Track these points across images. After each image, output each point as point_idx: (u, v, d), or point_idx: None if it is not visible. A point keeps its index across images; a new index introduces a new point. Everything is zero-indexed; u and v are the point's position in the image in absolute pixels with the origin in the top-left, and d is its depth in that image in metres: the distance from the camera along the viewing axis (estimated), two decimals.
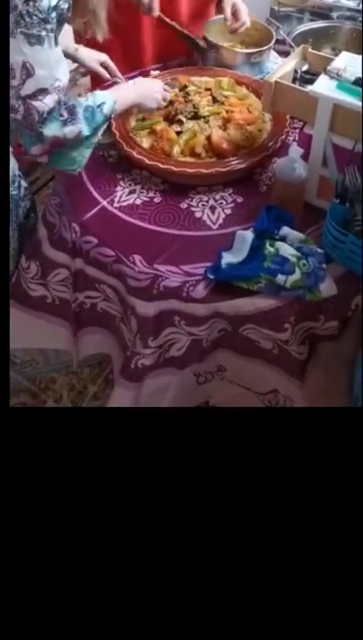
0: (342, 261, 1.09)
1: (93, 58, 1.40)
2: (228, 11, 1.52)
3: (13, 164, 1.26)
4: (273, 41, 1.54)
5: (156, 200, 1.28)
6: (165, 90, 1.34)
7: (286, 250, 1.08)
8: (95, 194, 1.29)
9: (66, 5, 0.96)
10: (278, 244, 1.10)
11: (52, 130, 1.02)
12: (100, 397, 1.65)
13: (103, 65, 1.41)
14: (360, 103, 1.03)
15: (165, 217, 1.24)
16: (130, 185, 1.31)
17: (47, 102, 0.99)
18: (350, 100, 1.04)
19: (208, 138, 1.32)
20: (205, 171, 1.26)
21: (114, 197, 1.28)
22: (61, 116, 1.02)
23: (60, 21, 0.98)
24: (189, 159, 1.30)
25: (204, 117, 1.36)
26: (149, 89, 1.30)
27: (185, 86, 1.47)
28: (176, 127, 1.35)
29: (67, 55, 1.37)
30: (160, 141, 1.32)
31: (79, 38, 1.41)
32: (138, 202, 1.27)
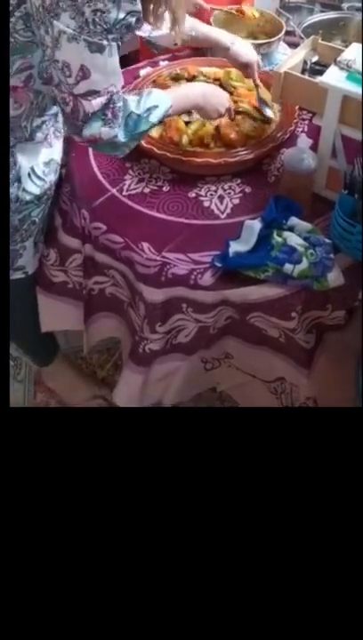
0: (350, 252, 1.10)
1: (240, 59, 1.38)
2: None
3: (58, 154, 1.27)
4: (283, 32, 1.54)
5: (164, 189, 1.29)
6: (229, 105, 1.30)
7: (294, 239, 1.09)
8: (104, 182, 1.30)
9: (133, 19, 0.96)
10: (286, 233, 1.11)
11: (90, 129, 1.04)
12: (109, 382, 1.67)
13: (248, 65, 1.39)
14: None
15: (173, 206, 1.25)
16: (139, 174, 1.32)
17: (95, 104, 1.00)
18: (359, 91, 1.05)
19: (217, 128, 1.33)
20: (214, 161, 1.27)
21: (123, 186, 1.29)
22: (105, 115, 1.03)
23: (127, 31, 0.99)
24: (197, 149, 1.31)
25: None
26: (217, 97, 1.27)
27: (194, 77, 1.47)
28: (185, 117, 1.34)
29: (217, 48, 1.40)
30: (169, 131, 1.32)
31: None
32: (146, 190, 1.28)
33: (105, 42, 0.95)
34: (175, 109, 1.19)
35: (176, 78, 1.48)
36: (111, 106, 1.03)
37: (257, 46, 1.55)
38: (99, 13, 0.92)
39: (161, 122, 1.17)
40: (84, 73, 0.97)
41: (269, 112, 1.36)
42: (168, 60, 1.60)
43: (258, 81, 1.42)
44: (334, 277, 1.07)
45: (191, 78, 1.47)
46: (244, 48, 1.40)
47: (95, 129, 1.04)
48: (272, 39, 1.54)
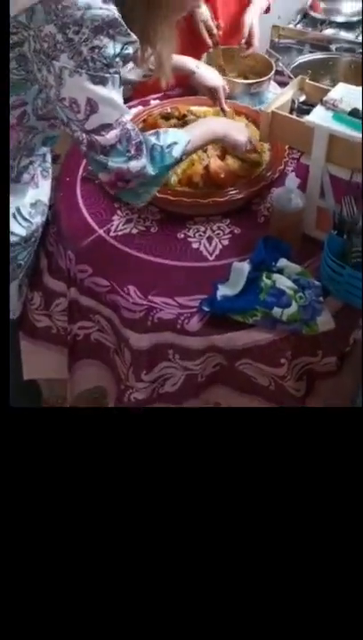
0: (340, 294, 1.06)
1: (206, 83, 1.40)
2: (246, 30, 1.59)
3: (45, 195, 1.25)
4: (273, 72, 1.54)
5: (152, 230, 1.26)
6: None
7: (283, 282, 1.06)
8: (92, 222, 1.28)
9: (130, 50, 0.97)
10: (275, 276, 1.08)
11: (116, 162, 1.02)
12: None
13: (213, 91, 1.41)
14: (356, 134, 1.02)
15: (161, 247, 1.22)
16: (127, 214, 1.30)
17: (110, 137, 0.99)
18: (346, 130, 1.03)
19: (206, 167, 1.31)
20: (203, 200, 1.25)
21: (110, 226, 1.27)
22: (128, 151, 1.02)
23: (125, 63, 1.00)
24: (186, 189, 1.29)
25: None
26: (236, 128, 1.27)
27: (184, 115, 1.46)
28: None
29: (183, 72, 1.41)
30: None
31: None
32: (134, 231, 1.26)
33: (107, 75, 0.95)
34: (195, 144, 1.18)
35: (167, 117, 1.48)
36: (133, 142, 1.02)
37: (248, 85, 1.55)
38: (96, 50, 0.92)
39: (183, 159, 1.15)
40: (92, 107, 0.97)
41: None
42: (159, 99, 1.60)
43: (225, 106, 1.43)
44: (324, 321, 1.03)
45: (181, 117, 1.46)
46: (209, 72, 1.42)
47: (121, 163, 1.02)
48: (263, 79, 1.54)
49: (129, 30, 0.94)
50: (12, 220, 1.17)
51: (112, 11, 0.92)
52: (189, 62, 1.41)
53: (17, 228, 1.18)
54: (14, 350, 1.36)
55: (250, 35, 1.60)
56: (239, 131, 1.27)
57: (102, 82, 0.95)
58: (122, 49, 0.95)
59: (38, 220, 1.23)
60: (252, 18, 1.62)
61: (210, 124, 1.25)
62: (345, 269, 1.02)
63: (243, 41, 1.61)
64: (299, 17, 1.95)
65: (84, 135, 1.00)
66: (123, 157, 1.02)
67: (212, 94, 1.42)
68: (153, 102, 1.59)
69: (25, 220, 1.20)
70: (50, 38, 0.91)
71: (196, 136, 1.17)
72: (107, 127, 0.99)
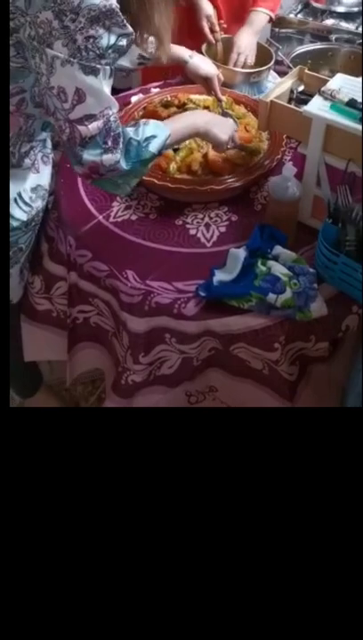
0: (334, 282, 1.08)
1: (199, 72, 1.40)
2: (234, 56, 1.58)
3: (45, 180, 1.26)
4: (273, 61, 1.55)
5: (151, 216, 1.28)
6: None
7: (278, 269, 1.08)
8: (92, 208, 1.30)
9: (124, 42, 0.97)
10: (270, 262, 1.10)
11: (90, 155, 1.02)
12: None
13: (207, 80, 1.40)
14: (353, 124, 1.03)
15: (159, 233, 1.24)
16: (126, 201, 1.31)
17: (91, 128, 0.99)
18: (343, 120, 1.04)
19: (205, 155, 1.33)
20: (201, 188, 1.27)
21: (110, 212, 1.29)
22: (105, 143, 1.02)
23: (119, 55, 0.99)
24: (185, 176, 1.31)
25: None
26: (220, 125, 1.24)
27: (184, 104, 1.48)
28: None
29: (177, 63, 1.41)
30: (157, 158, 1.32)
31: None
32: (133, 218, 1.28)
33: (98, 65, 0.95)
34: (175, 138, 1.17)
35: (167, 105, 1.49)
36: (111, 133, 1.02)
37: (248, 75, 1.56)
38: (91, 39, 0.92)
39: (161, 153, 1.13)
40: (80, 96, 0.97)
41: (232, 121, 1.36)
42: (160, 87, 1.61)
43: (220, 95, 1.43)
44: (317, 308, 1.05)
45: (181, 105, 1.48)
46: (203, 62, 1.41)
47: (95, 155, 1.02)
48: (262, 68, 1.55)
49: (125, 21, 0.95)
50: (13, 205, 1.18)
51: (110, 0, 0.92)
52: (182, 51, 1.40)
53: (18, 213, 1.20)
54: (15, 335, 1.38)
55: (239, 55, 1.58)
56: (223, 128, 1.24)
57: (93, 72, 0.95)
58: (116, 40, 0.95)
59: (39, 204, 1.25)
60: (244, 39, 1.60)
61: (193, 119, 1.23)
62: (339, 257, 1.04)
63: (231, 63, 1.58)
64: (300, 6, 1.95)
65: (66, 124, 0.99)
66: (98, 150, 1.02)
67: (206, 84, 1.42)
68: (154, 90, 1.60)
69: (26, 204, 1.21)
70: (46, 25, 0.91)
71: (177, 130, 1.16)
72: (91, 118, 0.99)
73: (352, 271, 1.04)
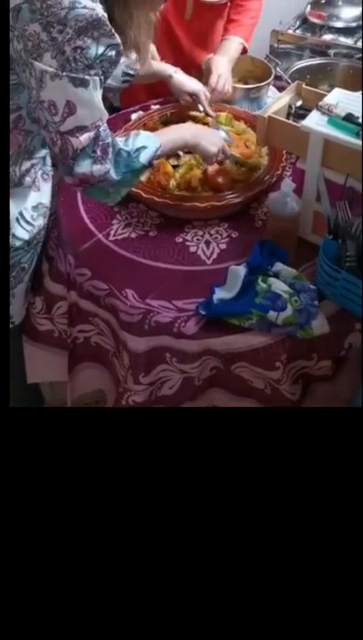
0: (336, 299, 1.07)
1: (185, 88, 1.39)
2: (214, 79, 1.48)
3: (46, 198, 1.26)
4: (272, 77, 1.55)
5: (151, 234, 1.27)
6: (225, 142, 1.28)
7: (279, 286, 1.07)
8: (91, 226, 1.29)
9: (113, 52, 0.97)
10: (271, 279, 1.08)
11: (81, 167, 1.03)
12: None
13: (193, 96, 1.40)
14: (350, 139, 1.02)
15: (159, 251, 1.23)
16: (126, 218, 1.31)
17: (83, 139, 1.00)
18: (340, 135, 1.03)
19: (204, 172, 1.32)
20: (200, 205, 1.26)
21: (110, 230, 1.28)
22: (94, 152, 1.02)
23: (110, 65, 1.00)
24: (184, 193, 1.30)
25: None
26: (209, 138, 1.24)
27: (184, 120, 1.48)
28: (173, 161, 1.35)
29: (160, 77, 1.41)
30: (157, 175, 1.32)
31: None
32: (133, 235, 1.27)
33: (87, 77, 0.95)
34: (165, 150, 1.18)
35: (166, 122, 1.49)
36: (100, 143, 1.02)
37: (247, 90, 1.56)
38: (79, 50, 0.93)
39: (151, 164, 1.15)
40: (70, 109, 0.97)
41: (223, 134, 1.36)
42: (160, 104, 1.61)
43: (209, 110, 1.42)
44: (319, 325, 1.03)
45: (181, 122, 1.47)
46: (187, 78, 1.41)
47: (86, 167, 1.03)
48: (261, 84, 1.54)
49: (113, 30, 0.95)
50: (15, 224, 1.18)
51: (96, 10, 0.92)
52: (166, 67, 1.39)
53: (20, 232, 1.19)
54: (17, 358, 1.36)
55: (219, 77, 1.48)
56: (212, 141, 1.23)
57: (83, 84, 0.95)
58: (105, 51, 0.95)
59: (40, 222, 1.24)
60: (221, 64, 1.50)
61: (182, 132, 1.24)
62: (340, 274, 1.02)
63: (210, 85, 1.47)
64: (298, 22, 1.96)
65: (58, 137, 1.00)
66: (88, 160, 1.02)
67: (191, 97, 1.41)
68: (153, 107, 1.60)
69: (28, 223, 1.20)
70: (34, 37, 0.92)
71: (167, 141, 1.17)
72: (82, 129, 0.99)
73: (353, 287, 1.02)
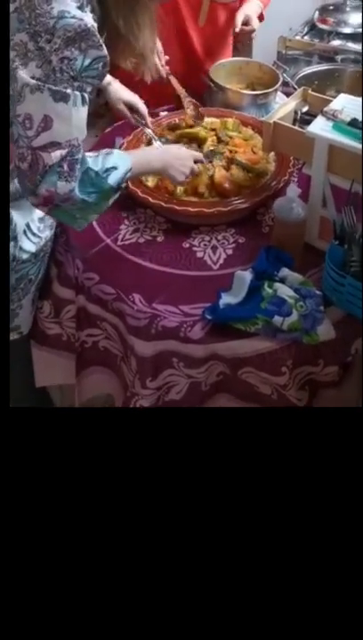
0: (342, 304, 1.07)
1: (121, 97, 1.37)
2: (239, 19, 1.60)
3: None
4: (279, 83, 1.55)
5: (158, 239, 1.28)
6: (195, 161, 1.26)
7: (284, 291, 1.07)
8: (100, 231, 1.30)
9: (100, 65, 0.95)
10: (277, 285, 1.09)
11: (46, 184, 0.96)
12: None
13: (130, 107, 1.38)
14: (355, 144, 1.02)
15: (166, 256, 1.24)
16: (134, 223, 1.32)
17: (54, 156, 0.95)
18: (345, 140, 1.04)
19: (211, 177, 1.33)
20: (207, 210, 1.26)
21: (118, 235, 1.29)
22: (60, 167, 0.96)
23: (94, 79, 0.97)
24: (192, 198, 1.31)
25: (208, 157, 1.37)
26: (177, 159, 1.22)
27: (191, 126, 1.49)
28: None
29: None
30: (164, 180, 1.33)
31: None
32: (141, 240, 1.28)
33: (69, 90, 0.93)
34: (135, 173, 1.13)
35: (174, 128, 1.50)
36: (68, 158, 0.96)
37: (255, 97, 1.57)
38: (66, 61, 0.91)
39: (120, 188, 1.08)
40: (47, 123, 0.93)
41: (156, 144, 1.37)
42: (168, 111, 1.62)
43: (149, 124, 1.42)
44: (325, 331, 1.03)
45: (189, 128, 1.48)
46: (124, 88, 1.38)
47: (51, 183, 0.96)
48: (269, 90, 1.55)
49: (101, 41, 0.93)
50: (22, 237, 1.17)
51: (85, 20, 0.90)
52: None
53: (27, 245, 1.18)
54: (26, 367, 1.36)
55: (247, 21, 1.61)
56: (179, 169, 1.21)
57: (64, 98, 0.93)
58: (91, 63, 0.93)
59: (47, 234, 1.24)
60: (245, 8, 1.62)
61: (150, 159, 1.21)
62: (346, 279, 1.02)
63: (237, 29, 1.60)
64: (306, 28, 1.96)
65: (29, 152, 0.95)
66: (55, 176, 0.96)
67: (132, 111, 1.38)
68: (162, 114, 1.61)
69: (34, 235, 1.20)
70: (20, 47, 0.90)
71: (136, 165, 1.12)
72: (55, 145, 0.95)
73: (359, 292, 1.02)
